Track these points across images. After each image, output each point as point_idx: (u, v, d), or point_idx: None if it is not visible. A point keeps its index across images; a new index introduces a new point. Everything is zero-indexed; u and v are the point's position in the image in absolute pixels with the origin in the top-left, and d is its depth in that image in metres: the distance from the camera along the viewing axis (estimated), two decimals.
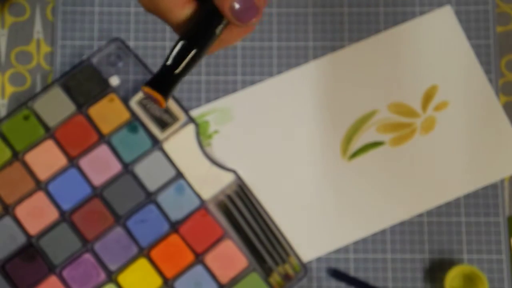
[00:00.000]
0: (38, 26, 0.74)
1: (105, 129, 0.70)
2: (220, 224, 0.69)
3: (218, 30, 0.49)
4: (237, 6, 0.49)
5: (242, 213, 0.69)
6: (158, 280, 0.68)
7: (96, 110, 0.71)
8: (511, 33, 0.74)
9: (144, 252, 0.69)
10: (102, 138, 0.70)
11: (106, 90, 0.71)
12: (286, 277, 0.69)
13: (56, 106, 0.71)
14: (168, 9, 0.50)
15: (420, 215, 0.71)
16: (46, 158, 0.70)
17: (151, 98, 0.47)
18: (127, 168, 0.70)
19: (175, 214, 0.69)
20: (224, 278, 0.68)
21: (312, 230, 0.71)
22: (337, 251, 0.70)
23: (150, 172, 0.70)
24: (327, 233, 0.70)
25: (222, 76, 0.73)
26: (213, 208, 0.69)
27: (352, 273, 0.70)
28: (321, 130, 0.72)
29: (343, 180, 0.71)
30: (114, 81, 0.71)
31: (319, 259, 0.70)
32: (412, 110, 0.73)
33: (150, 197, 0.70)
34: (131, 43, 0.74)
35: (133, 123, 0.70)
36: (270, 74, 0.73)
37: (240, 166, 0.71)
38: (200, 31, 0.49)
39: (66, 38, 0.74)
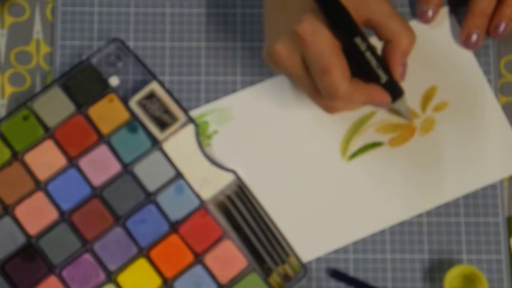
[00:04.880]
0: (37, 26, 0.74)
1: (105, 129, 0.70)
2: (220, 224, 0.69)
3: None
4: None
5: (242, 213, 0.69)
6: (158, 280, 0.68)
7: (96, 110, 0.71)
8: (510, 33, 0.74)
9: (144, 252, 0.69)
10: (102, 138, 0.70)
11: (105, 90, 0.71)
12: (286, 277, 0.69)
13: (55, 106, 0.71)
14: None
15: (420, 216, 0.71)
16: (45, 158, 0.70)
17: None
18: (127, 168, 0.70)
19: (175, 214, 0.69)
20: (224, 278, 0.68)
21: (311, 230, 0.71)
22: (337, 251, 0.70)
23: (150, 172, 0.70)
24: (327, 233, 0.71)
25: (221, 76, 0.73)
26: (212, 208, 0.69)
27: (351, 273, 0.70)
28: (321, 130, 0.72)
29: (343, 180, 0.72)
30: (114, 81, 0.71)
31: (318, 259, 0.70)
32: (411, 111, 0.73)
33: (149, 197, 0.70)
34: (131, 43, 0.74)
35: (133, 123, 0.70)
36: (270, 75, 0.73)
37: (239, 166, 0.71)
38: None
39: (66, 39, 0.74)
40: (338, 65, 0.61)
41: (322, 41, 0.61)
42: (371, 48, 0.63)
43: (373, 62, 0.63)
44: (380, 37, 0.65)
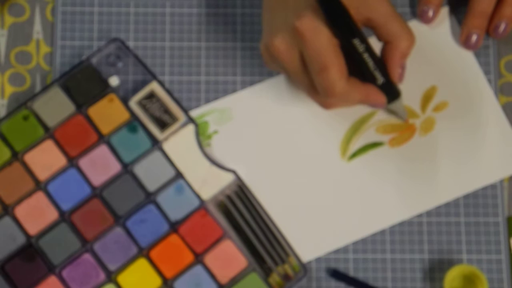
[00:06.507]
0: (37, 26, 0.75)
1: (105, 129, 0.70)
2: (220, 224, 0.69)
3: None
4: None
5: (242, 213, 0.69)
6: (158, 280, 0.68)
7: (96, 110, 0.71)
8: (510, 33, 0.74)
9: (144, 252, 0.69)
10: (102, 138, 0.70)
11: (105, 90, 0.71)
12: (286, 277, 0.69)
13: (55, 106, 0.71)
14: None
15: (420, 215, 0.71)
16: (45, 158, 0.70)
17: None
18: (127, 168, 0.70)
19: (175, 214, 0.69)
20: (224, 278, 0.68)
21: (311, 230, 0.71)
22: (337, 251, 0.70)
23: (150, 172, 0.70)
24: (327, 233, 0.71)
25: (221, 76, 0.73)
26: (212, 208, 0.69)
27: (351, 273, 0.70)
28: (321, 130, 0.72)
29: (343, 180, 0.72)
30: (114, 81, 0.71)
31: (318, 259, 0.70)
32: (411, 111, 0.73)
33: (149, 197, 0.70)
34: (131, 43, 0.74)
35: (133, 123, 0.70)
36: (270, 75, 0.73)
37: (239, 166, 0.71)
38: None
39: (66, 38, 0.74)
40: (336, 63, 0.61)
41: (321, 38, 0.61)
42: (370, 50, 0.63)
43: (371, 63, 0.64)
44: (379, 38, 0.65)
